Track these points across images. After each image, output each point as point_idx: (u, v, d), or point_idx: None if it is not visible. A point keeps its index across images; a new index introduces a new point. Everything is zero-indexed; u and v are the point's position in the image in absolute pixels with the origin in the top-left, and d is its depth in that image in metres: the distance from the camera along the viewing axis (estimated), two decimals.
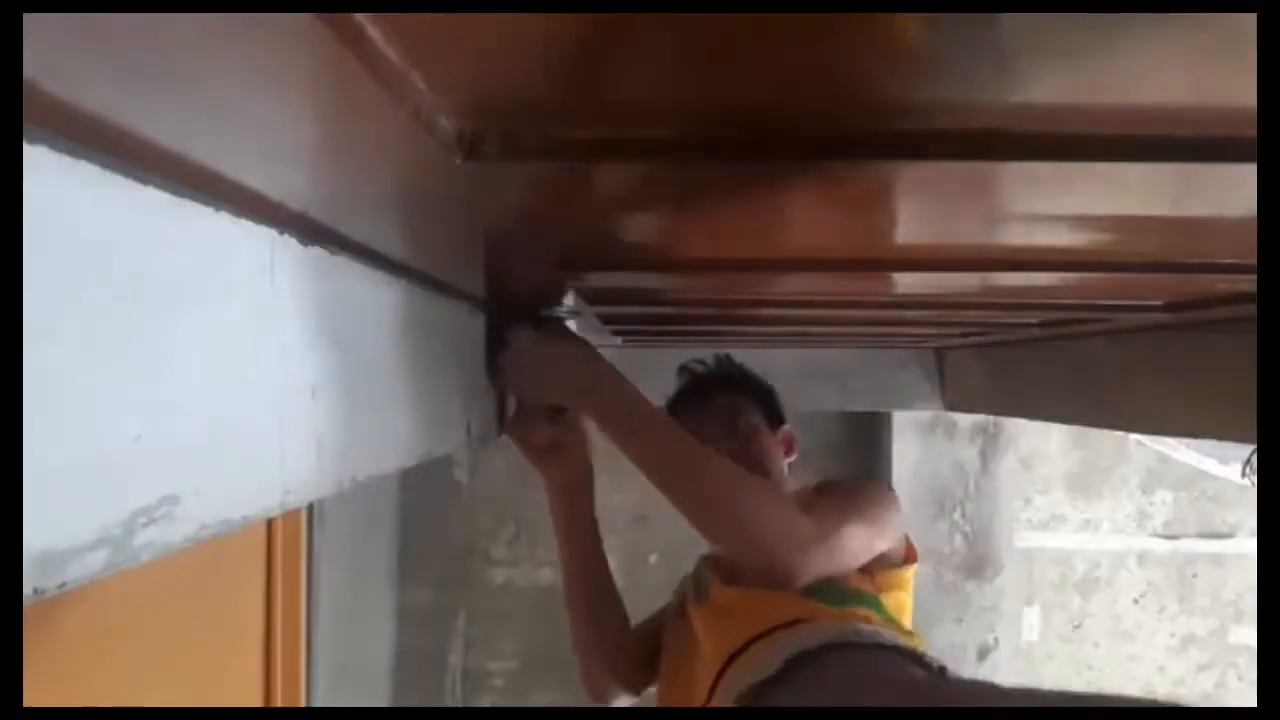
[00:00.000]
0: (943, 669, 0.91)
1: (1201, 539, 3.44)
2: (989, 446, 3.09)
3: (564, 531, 1.22)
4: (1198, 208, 0.59)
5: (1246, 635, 3.38)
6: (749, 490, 0.99)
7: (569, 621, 1.26)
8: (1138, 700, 0.88)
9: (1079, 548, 3.46)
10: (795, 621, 0.97)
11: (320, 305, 0.56)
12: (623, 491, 3.11)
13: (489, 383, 1.09)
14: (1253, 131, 0.36)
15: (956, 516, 3.09)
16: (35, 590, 0.32)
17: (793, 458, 1.29)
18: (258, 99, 0.34)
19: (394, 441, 0.73)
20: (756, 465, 1.16)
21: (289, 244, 0.51)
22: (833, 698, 0.87)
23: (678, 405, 1.29)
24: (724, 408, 1.25)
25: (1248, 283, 0.83)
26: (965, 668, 3.04)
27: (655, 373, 1.21)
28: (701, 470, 0.98)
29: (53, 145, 0.33)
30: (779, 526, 0.97)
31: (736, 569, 1.11)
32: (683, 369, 1.38)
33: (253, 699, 1.93)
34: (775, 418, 1.29)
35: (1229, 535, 3.42)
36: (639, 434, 1.00)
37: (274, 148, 0.40)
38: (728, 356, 1.38)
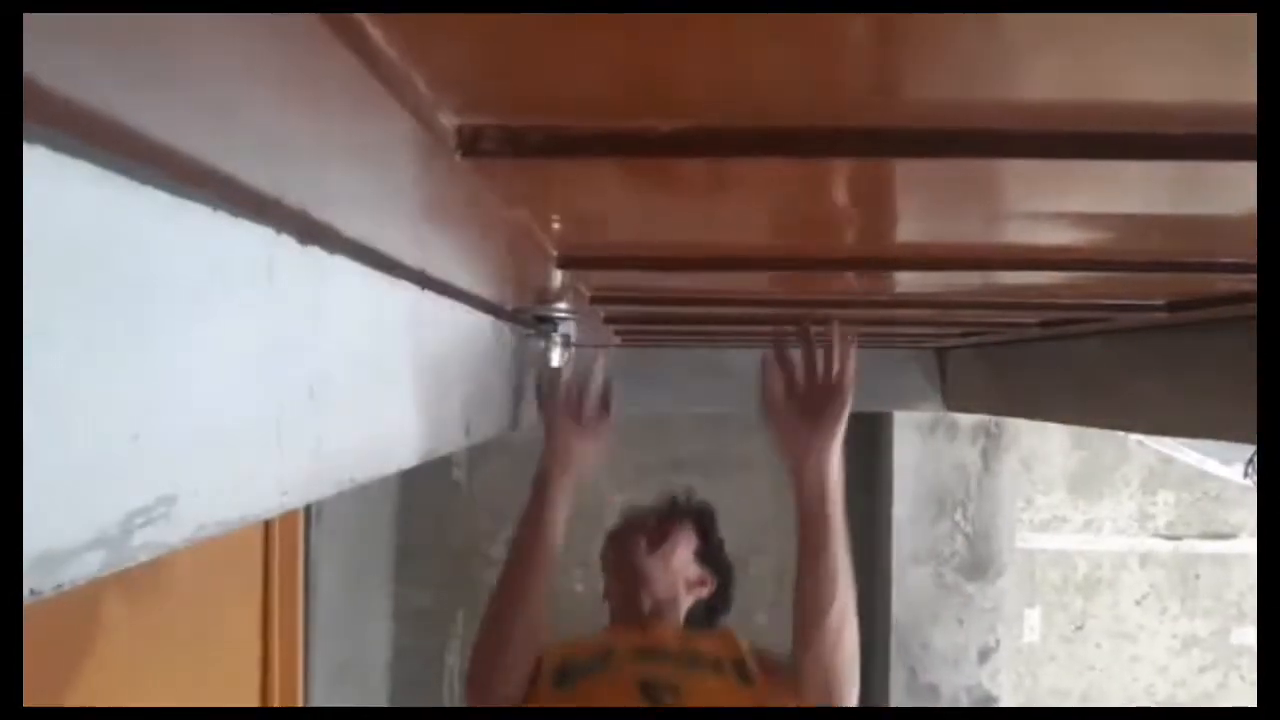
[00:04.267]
0: None
1: (1203, 539, 3.44)
2: (990, 447, 3.09)
3: (541, 505, 1.29)
4: (1198, 207, 0.59)
5: (1249, 636, 3.37)
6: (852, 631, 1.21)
7: (496, 594, 1.31)
8: None
9: (1080, 548, 3.46)
10: None
11: (319, 304, 0.56)
12: (623, 491, 3.11)
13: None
14: (1253, 129, 0.36)
15: (958, 517, 3.08)
16: (33, 591, 0.32)
17: (702, 592, 1.42)
18: (257, 98, 0.34)
19: (394, 441, 0.73)
20: (658, 577, 1.36)
21: (287, 243, 0.51)
22: None
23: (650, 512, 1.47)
24: (665, 529, 1.41)
25: (1248, 282, 0.83)
26: (966, 669, 3.04)
27: (656, 372, 1.21)
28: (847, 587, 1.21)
29: (52, 145, 0.33)
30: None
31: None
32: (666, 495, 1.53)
33: (250, 699, 1.93)
34: (707, 553, 1.44)
35: (1231, 536, 3.41)
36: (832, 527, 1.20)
37: (273, 146, 0.40)
38: (704, 502, 1.51)
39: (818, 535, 1.17)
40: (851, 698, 1.18)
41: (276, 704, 1.98)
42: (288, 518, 1.99)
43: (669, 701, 1.17)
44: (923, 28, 0.31)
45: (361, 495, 2.65)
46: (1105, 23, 0.30)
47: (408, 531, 3.22)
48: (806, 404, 1.21)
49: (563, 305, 1.15)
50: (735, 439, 3.15)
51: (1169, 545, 3.46)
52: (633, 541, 1.40)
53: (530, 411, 1.33)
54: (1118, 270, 0.82)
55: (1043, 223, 0.68)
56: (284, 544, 2.02)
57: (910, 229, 0.73)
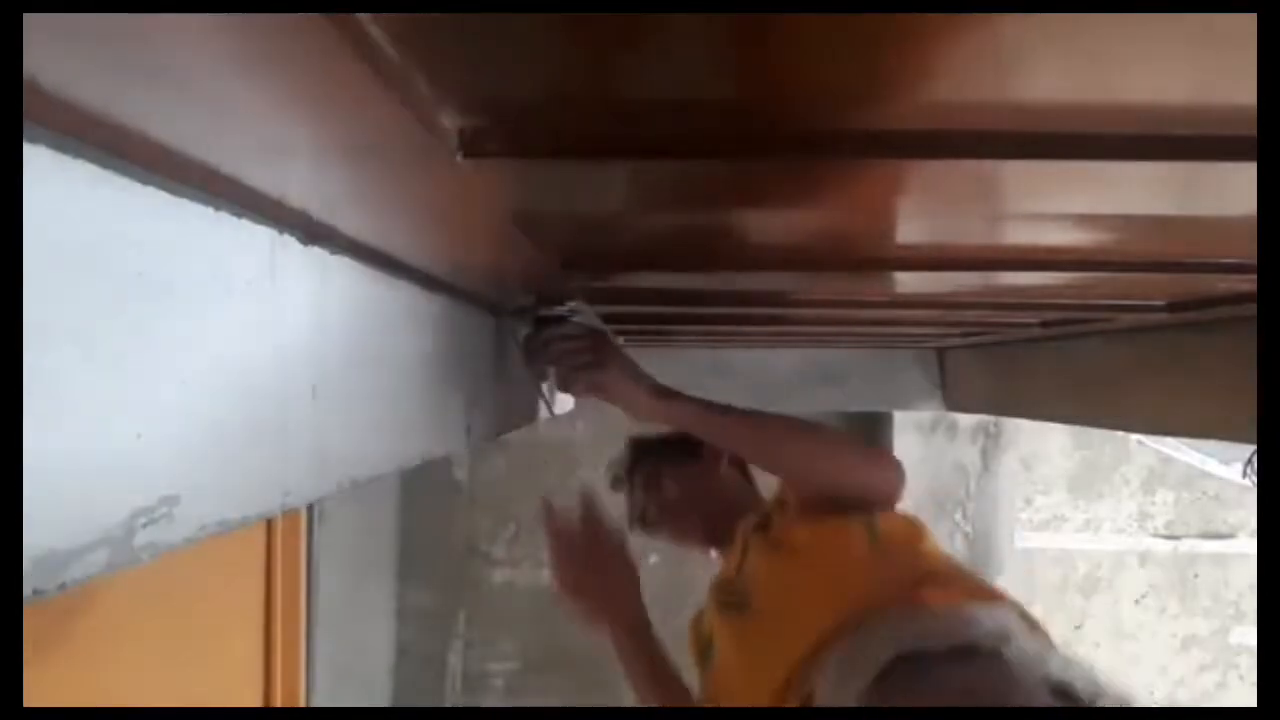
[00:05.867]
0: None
1: (1203, 539, 3.44)
2: (990, 447, 3.09)
3: (636, 668, 1.24)
4: (1198, 207, 0.59)
5: (1248, 635, 3.38)
6: (829, 442, 1.12)
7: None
8: None
9: (1080, 548, 3.46)
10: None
11: (320, 305, 0.56)
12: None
13: (535, 385, 1.15)
14: (1252, 130, 0.36)
15: (957, 517, 3.08)
16: (35, 591, 0.32)
17: (737, 474, 1.32)
18: (259, 98, 0.34)
19: (394, 441, 0.73)
20: (701, 503, 1.27)
21: (289, 243, 0.51)
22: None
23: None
24: (644, 485, 1.32)
25: (1248, 283, 0.83)
26: None
27: (656, 373, 1.21)
28: (785, 438, 1.10)
29: (52, 145, 0.33)
30: (863, 461, 1.11)
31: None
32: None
33: (252, 699, 1.93)
34: (687, 458, 1.31)
35: (1230, 535, 3.42)
36: (718, 433, 1.12)
37: (275, 146, 0.40)
38: (631, 440, 1.40)
39: (733, 438, 1.12)
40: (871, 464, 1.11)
41: (278, 704, 1.99)
42: (290, 517, 2.00)
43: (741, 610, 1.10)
44: (922, 28, 0.31)
45: (363, 495, 2.65)
46: (1105, 23, 0.30)
47: (409, 531, 3.22)
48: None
49: (565, 305, 1.15)
50: None
51: (1168, 545, 3.46)
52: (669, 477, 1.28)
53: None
54: (1118, 270, 0.82)
55: (1042, 223, 0.68)
56: (286, 544, 2.02)
57: (909, 230, 0.73)
